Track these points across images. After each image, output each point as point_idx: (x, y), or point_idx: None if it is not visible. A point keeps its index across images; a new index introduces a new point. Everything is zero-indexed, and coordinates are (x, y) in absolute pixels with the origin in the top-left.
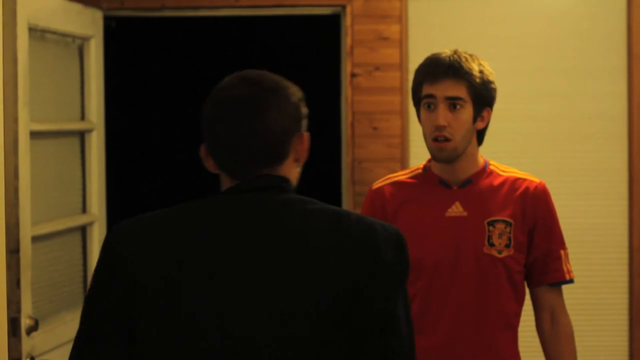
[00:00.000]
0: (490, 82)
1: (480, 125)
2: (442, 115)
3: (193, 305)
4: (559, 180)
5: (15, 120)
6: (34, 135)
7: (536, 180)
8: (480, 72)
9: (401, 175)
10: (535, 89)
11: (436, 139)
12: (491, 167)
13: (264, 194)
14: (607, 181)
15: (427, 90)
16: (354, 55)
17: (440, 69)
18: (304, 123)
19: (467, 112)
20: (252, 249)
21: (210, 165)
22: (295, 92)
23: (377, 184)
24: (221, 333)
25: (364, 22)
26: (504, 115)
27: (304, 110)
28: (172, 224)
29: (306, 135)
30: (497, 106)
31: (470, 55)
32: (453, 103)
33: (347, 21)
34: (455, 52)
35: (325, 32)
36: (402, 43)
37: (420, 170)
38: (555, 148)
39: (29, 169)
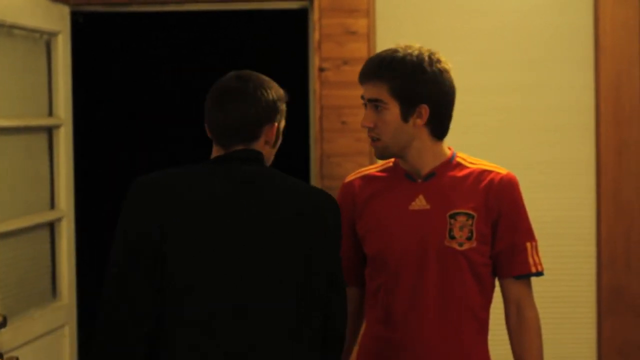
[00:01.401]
0: (422, 79)
1: (419, 122)
2: (366, 116)
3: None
4: (526, 172)
5: None
6: (1, 131)
7: (503, 171)
8: (412, 69)
9: (372, 169)
10: (502, 82)
11: (371, 139)
12: (458, 159)
13: (242, 162)
14: (574, 173)
15: (362, 91)
16: (321, 50)
17: (363, 72)
18: (279, 117)
19: (391, 112)
20: (236, 207)
21: (209, 134)
22: (275, 92)
23: (348, 178)
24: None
25: (332, 16)
26: (472, 107)
27: (281, 107)
28: (179, 182)
29: (276, 125)
30: (465, 99)
31: (409, 53)
32: (375, 105)
33: (315, 15)
34: (391, 50)
35: (293, 26)
36: (369, 37)
37: (390, 164)
38: (523, 140)
39: None
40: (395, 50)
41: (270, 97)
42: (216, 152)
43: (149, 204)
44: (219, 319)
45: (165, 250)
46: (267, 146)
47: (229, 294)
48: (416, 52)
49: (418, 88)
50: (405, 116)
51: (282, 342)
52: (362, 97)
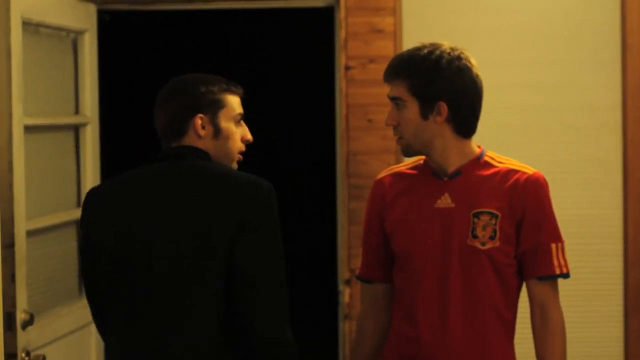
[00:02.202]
0: (438, 76)
1: (438, 119)
2: (389, 114)
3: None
4: (553, 171)
5: (10, 115)
6: (28, 129)
7: (530, 171)
8: (429, 66)
9: (403, 167)
10: (529, 81)
11: (396, 137)
12: (486, 157)
13: (172, 160)
14: (601, 172)
15: None
16: (348, 48)
17: (386, 71)
18: (207, 109)
19: (410, 110)
20: (163, 197)
21: None
22: (205, 86)
23: (380, 175)
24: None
25: (358, 14)
26: (498, 106)
27: (212, 97)
28: (119, 186)
29: (200, 116)
30: (490, 98)
31: (431, 51)
32: (397, 103)
33: (341, 14)
34: (414, 48)
35: (319, 24)
36: (396, 35)
37: (421, 162)
38: (549, 139)
39: (23, 163)
40: (417, 49)
41: (197, 91)
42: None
43: (85, 213)
44: (133, 326)
45: (97, 255)
46: (205, 139)
47: (141, 297)
48: (437, 50)
49: (434, 85)
50: (425, 114)
51: (199, 345)
52: (388, 96)
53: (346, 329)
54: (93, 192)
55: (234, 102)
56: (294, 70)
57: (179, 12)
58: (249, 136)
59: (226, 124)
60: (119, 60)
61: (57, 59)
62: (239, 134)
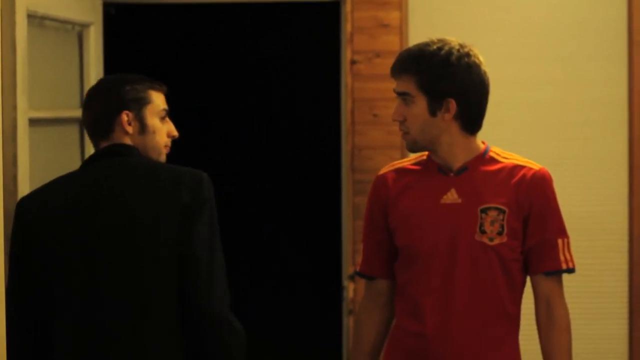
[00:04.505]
0: (448, 72)
1: (447, 116)
2: (396, 110)
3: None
4: (558, 167)
5: (14, 108)
6: (33, 122)
7: (536, 167)
8: (439, 62)
9: (406, 162)
10: (535, 76)
11: (402, 132)
12: (491, 153)
13: (107, 159)
14: (607, 168)
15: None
16: (354, 42)
17: (394, 66)
18: (132, 105)
19: (418, 106)
20: (105, 196)
21: None
22: (129, 84)
23: (382, 171)
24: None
25: (364, 8)
26: (504, 101)
27: (135, 95)
28: (57, 188)
29: (125, 113)
30: (497, 93)
31: (439, 47)
32: (404, 98)
33: (347, 8)
34: (422, 44)
35: (325, 19)
36: (402, 30)
37: (424, 157)
38: (555, 135)
39: (27, 156)
40: (426, 44)
41: (121, 89)
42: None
43: (17, 224)
44: (84, 329)
45: (34, 263)
46: (132, 135)
47: (88, 297)
48: (447, 46)
49: (444, 82)
50: (433, 110)
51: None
52: (394, 91)
53: (350, 324)
54: (28, 201)
55: (159, 98)
56: (299, 65)
57: (185, 5)
58: (175, 132)
59: (152, 120)
60: (125, 54)
61: (62, 52)
62: (165, 130)
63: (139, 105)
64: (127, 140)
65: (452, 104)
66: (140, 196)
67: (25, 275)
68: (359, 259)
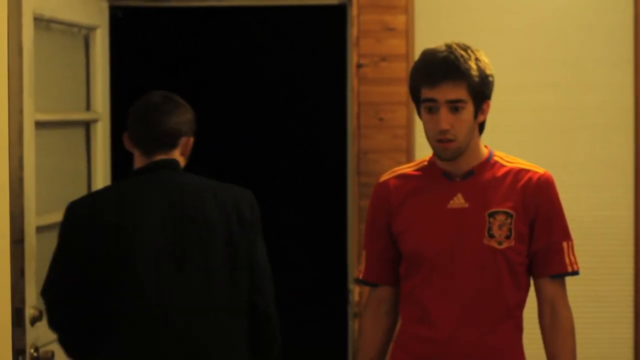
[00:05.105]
0: (487, 75)
1: (481, 118)
2: (445, 119)
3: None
4: (564, 172)
5: (21, 111)
6: (39, 125)
7: (540, 171)
8: (478, 67)
9: (407, 168)
10: (541, 80)
11: (440, 141)
12: (496, 158)
13: (164, 170)
14: (613, 173)
15: (426, 94)
16: (360, 46)
17: (439, 73)
18: (192, 133)
19: (468, 111)
20: (161, 208)
21: (128, 146)
22: (190, 112)
23: (383, 177)
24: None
25: (370, 12)
26: (510, 106)
27: (193, 126)
28: (109, 196)
29: (191, 139)
30: (503, 97)
31: (465, 50)
32: (455, 106)
33: (354, 11)
34: (450, 49)
35: (332, 22)
36: (408, 34)
37: (425, 163)
38: (561, 139)
39: (34, 159)
40: (453, 49)
41: (188, 114)
42: (139, 162)
43: (81, 224)
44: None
45: (95, 262)
46: (182, 157)
47: (163, 288)
48: (470, 50)
49: (487, 85)
50: (476, 113)
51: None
52: (430, 100)
53: (356, 328)
54: (85, 203)
55: None
56: (305, 68)
57: (191, 8)
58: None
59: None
60: (131, 57)
61: (69, 55)
62: None
63: (193, 134)
64: (180, 160)
65: (487, 106)
66: (211, 208)
67: (78, 269)
68: (361, 266)
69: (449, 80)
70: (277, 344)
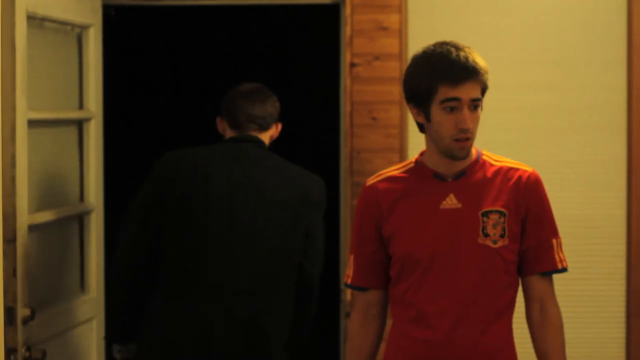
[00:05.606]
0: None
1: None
2: (468, 117)
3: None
4: (557, 171)
5: (13, 109)
6: (32, 123)
7: (529, 169)
8: (484, 66)
9: (393, 170)
10: (534, 80)
11: (459, 140)
12: (484, 157)
13: (251, 144)
14: (605, 172)
15: (448, 93)
16: (353, 45)
17: (463, 72)
18: (278, 117)
19: (480, 109)
20: (245, 173)
21: (222, 128)
22: (277, 99)
23: (370, 181)
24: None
25: (364, 11)
26: (504, 106)
27: (279, 111)
28: (201, 156)
29: (280, 125)
30: (496, 97)
31: (463, 49)
32: (475, 104)
33: (347, 11)
34: (457, 48)
35: (325, 21)
36: (401, 33)
37: (412, 164)
38: (554, 139)
39: (26, 157)
40: (457, 47)
41: (277, 102)
42: (230, 134)
43: (167, 172)
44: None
45: (175, 208)
46: (269, 139)
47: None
48: (467, 48)
49: (487, 83)
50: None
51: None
52: (453, 99)
53: (347, 327)
54: (182, 154)
55: None
56: (298, 67)
57: (185, 7)
58: None
59: None
60: (124, 56)
61: (62, 54)
62: None
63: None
64: (268, 143)
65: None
66: (282, 181)
67: (156, 214)
68: (349, 271)
69: (472, 79)
70: (314, 304)
